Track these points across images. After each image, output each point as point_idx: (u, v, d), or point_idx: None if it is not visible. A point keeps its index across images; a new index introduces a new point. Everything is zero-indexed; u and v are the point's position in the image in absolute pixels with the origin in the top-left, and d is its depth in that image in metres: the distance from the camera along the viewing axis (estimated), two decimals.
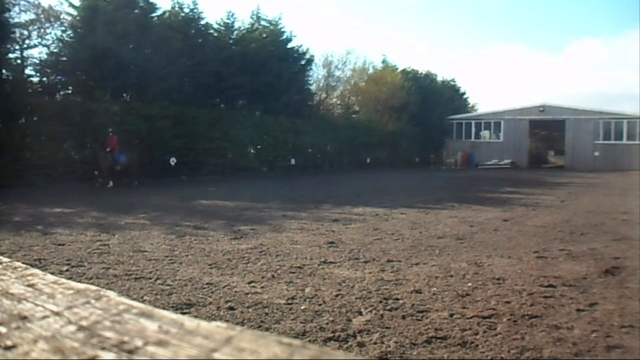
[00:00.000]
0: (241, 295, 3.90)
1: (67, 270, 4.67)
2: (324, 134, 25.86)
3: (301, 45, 25.98)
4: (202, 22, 22.44)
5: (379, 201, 10.91)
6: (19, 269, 0.83)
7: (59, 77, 18.36)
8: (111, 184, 14.30)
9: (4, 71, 15.63)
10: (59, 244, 5.89)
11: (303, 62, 26.13)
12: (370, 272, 4.61)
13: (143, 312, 0.59)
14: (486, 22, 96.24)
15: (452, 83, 40.29)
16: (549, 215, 8.78)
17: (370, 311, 3.51)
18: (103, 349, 0.50)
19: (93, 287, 0.70)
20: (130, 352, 0.49)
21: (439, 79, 38.49)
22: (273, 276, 4.46)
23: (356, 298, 3.82)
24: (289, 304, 3.69)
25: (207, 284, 4.22)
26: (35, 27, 17.66)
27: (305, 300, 3.78)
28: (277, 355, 0.47)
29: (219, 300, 3.74)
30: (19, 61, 17.09)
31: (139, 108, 18.12)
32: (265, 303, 3.69)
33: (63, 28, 18.40)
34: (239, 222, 7.72)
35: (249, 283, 4.24)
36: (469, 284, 4.22)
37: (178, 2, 21.58)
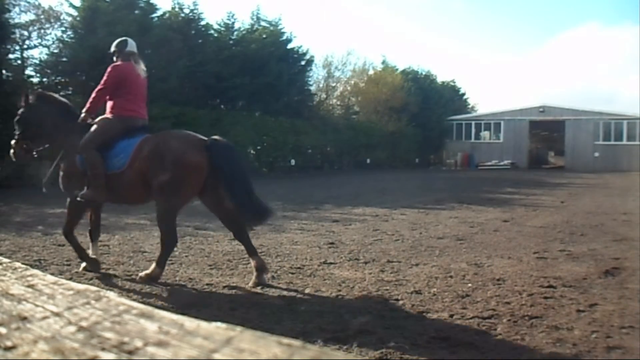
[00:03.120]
0: (241, 296, 3.90)
1: (67, 270, 4.67)
2: (324, 134, 25.85)
3: (301, 46, 25.97)
4: (202, 23, 22.45)
5: (379, 202, 10.91)
6: (19, 270, 0.83)
7: (59, 78, 18.36)
8: None
9: (4, 72, 15.63)
10: (60, 245, 5.89)
11: (303, 63, 26.11)
12: (370, 273, 4.61)
13: (143, 313, 0.59)
14: (486, 22, 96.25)
15: (452, 84, 40.29)
16: (549, 216, 8.78)
17: (370, 312, 3.51)
18: (103, 349, 0.51)
19: (93, 288, 0.70)
20: (130, 352, 0.50)
21: (439, 79, 38.50)
22: (273, 277, 4.46)
23: (356, 299, 3.82)
24: (288, 304, 3.69)
25: (207, 284, 4.22)
26: (35, 28, 17.66)
27: (305, 301, 3.78)
28: (277, 355, 0.47)
29: (219, 301, 3.74)
30: (19, 62, 17.09)
31: None
32: (265, 304, 3.69)
33: (63, 29, 18.40)
34: None
35: (249, 284, 4.24)
36: (469, 285, 4.22)
37: (178, 3, 21.59)
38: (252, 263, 4.27)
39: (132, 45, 4.69)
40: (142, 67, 4.72)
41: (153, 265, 4.28)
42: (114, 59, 4.69)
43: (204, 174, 4.18)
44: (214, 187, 4.28)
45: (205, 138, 4.35)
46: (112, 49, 4.73)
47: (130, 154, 4.25)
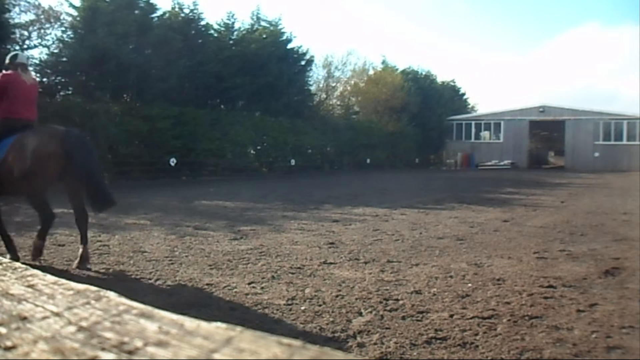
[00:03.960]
0: (241, 296, 3.90)
1: (67, 270, 4.67)
2: (324, 134, 25.86)
3: (301, 46, 25.99)
4: (202, 23, 22.44)
5: (379, 202, 10.91)
6: (19, 270, 0.83)
7: (59, 78, 18.35)
8: None
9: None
10: (59, 245, 5.89)
11: (303, 63, 26.12)
12: (370, 273, 4.61)
13: (143, 313, 0.59)
14: (486, 22, 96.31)
15: (452, 84, 40.30)
16: (549, 216, 8.78)
17: (370, 312, 3.51)
18: (103, 349, 0.51)
19: (93, 288, 0.70)
20: (130, 352, 0.50)
21: (439, 79, 38.50)
22: (273, 277, 4.46)
23: (356, 299, 3.82)
24: (288, 304, 3.69)
25: (207, 284, 4.22)
26: (35, 28, 17.68)
27: (305, 301, 3.78)
28: (277, 355, 0.47)
29: (219, 301, 3.74)
30: None
31: (139, 109, 18.12)
32: (265, 304, 3.69)
33: (63, 29, 18.41)
34: (239, 223, 7.72)
35: (249, 284, 4.24)
36: (469, 285, 4.22)
37: (178, 3, 21.58)
38: (80, 251, 4.87)
39: (21, 58, 5.41)
40: (29, 76, 5.39)
41: (35, 238, 4.93)
42: (7, 69, 5.27)
43: (59, 160, 4.68)
44: (71, 174, 4.81)
45: (63, 129, 4.89)
46: (6, 61, 5.36)
47: (5, 150, 4.80)
